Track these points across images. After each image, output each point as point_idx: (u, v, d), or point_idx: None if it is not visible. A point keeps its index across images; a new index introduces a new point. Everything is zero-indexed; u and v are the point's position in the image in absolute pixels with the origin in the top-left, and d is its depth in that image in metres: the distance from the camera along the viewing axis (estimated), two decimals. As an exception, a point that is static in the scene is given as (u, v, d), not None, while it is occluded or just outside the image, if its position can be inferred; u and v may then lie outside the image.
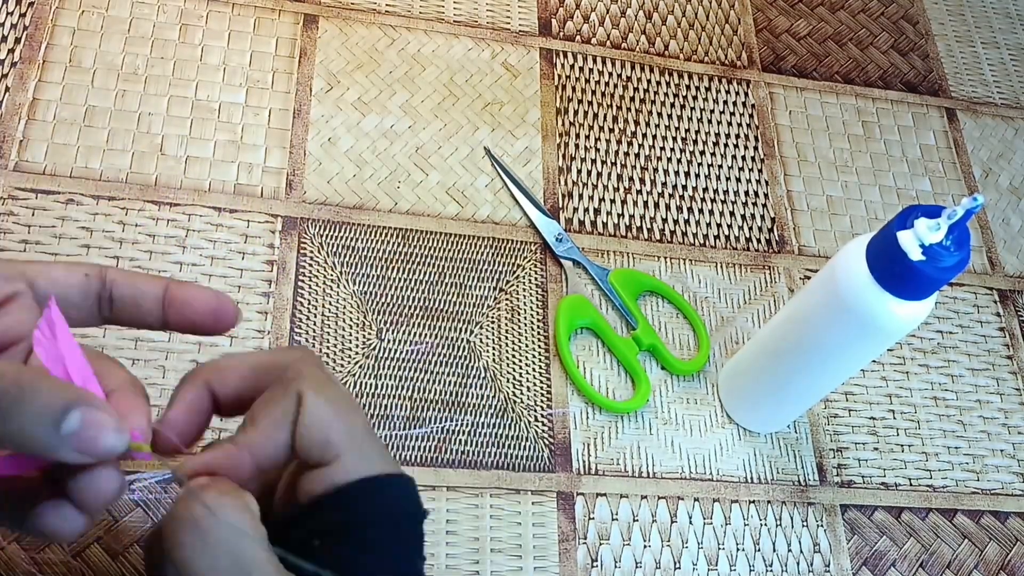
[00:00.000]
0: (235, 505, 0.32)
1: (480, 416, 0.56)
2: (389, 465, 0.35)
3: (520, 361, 0.58)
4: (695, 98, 0.70)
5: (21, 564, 0.46)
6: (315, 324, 0.56)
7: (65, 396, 0.28)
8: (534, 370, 0.58)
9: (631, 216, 0.64)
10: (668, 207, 0.65)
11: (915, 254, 0.42)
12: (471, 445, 0.55)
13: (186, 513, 0.31)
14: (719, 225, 0.66)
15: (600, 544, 0.54)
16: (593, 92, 0.68)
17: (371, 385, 0.55)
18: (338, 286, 0.57)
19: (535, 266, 0.61)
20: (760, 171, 0.69)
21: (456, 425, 0.55)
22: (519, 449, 0.55)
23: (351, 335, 0.56)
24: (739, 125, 0.70)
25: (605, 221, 0.64)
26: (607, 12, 0.72)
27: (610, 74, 0.69)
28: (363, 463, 0.34)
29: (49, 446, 0.28)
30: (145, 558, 0.33)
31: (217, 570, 0.30)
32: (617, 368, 0.59)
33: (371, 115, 0.63)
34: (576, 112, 0.67)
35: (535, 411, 0.56)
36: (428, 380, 0.56)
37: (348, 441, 0.34)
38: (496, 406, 0.56)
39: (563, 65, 0.69)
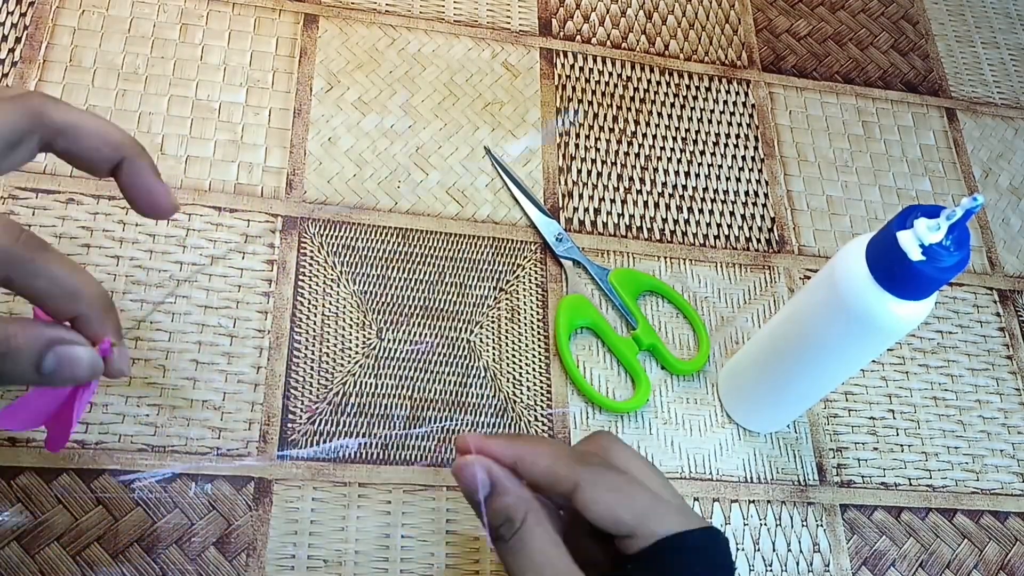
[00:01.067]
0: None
1: (480, 416, 0.56)
2: (690, 521, 0.39)
3: (520, 361, 0.58)
4: (695, 98, 0.70)
5: (21, 564, 0.46)
6: (315, 324, 0.56)
7: (39, 341, 0.32)
8: (534, 370, 0.58)
9: (631, 216, 0.64)
10: (668, 207, 0.65)
11: (915, 254, 0.42)
12: (471, 445, 0.55)
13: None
14: (719, 225, 0.66)
15: (600, 544, 0.54)
16: (593, 92, 0.68)
17: (371, 384, 0.55)
18: (338, 286, 0.57)
19: (535, 266, 0.61)
20: (760, 171, 0.69)
21: (456, 425, 0.55)
22: (519, 449, 0.55)
23: (351, 335, 0.56)
24: (739, 125, 0.70)
25: (605, 221, 0.64)
26: (607, 12, 0.72)
27: (610, 74, 0.69)
28: (660, 527, 0.38)
29: (37, 383, 0.33)
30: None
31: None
32: (617, 368, 0.59)
33: (371, 115, 0.63)
34: (576, 112, 0.67)
35: (535, 411, 0.56)
36: (428, 380, 0.56)
37: (636, 516, 0.38)
38: (496, 406, 0.56)
39: (563, 65, 0.69)
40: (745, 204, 0.67)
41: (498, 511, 0.38)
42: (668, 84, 0.70)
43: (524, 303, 0.60)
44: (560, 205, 0.63)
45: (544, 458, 0.39)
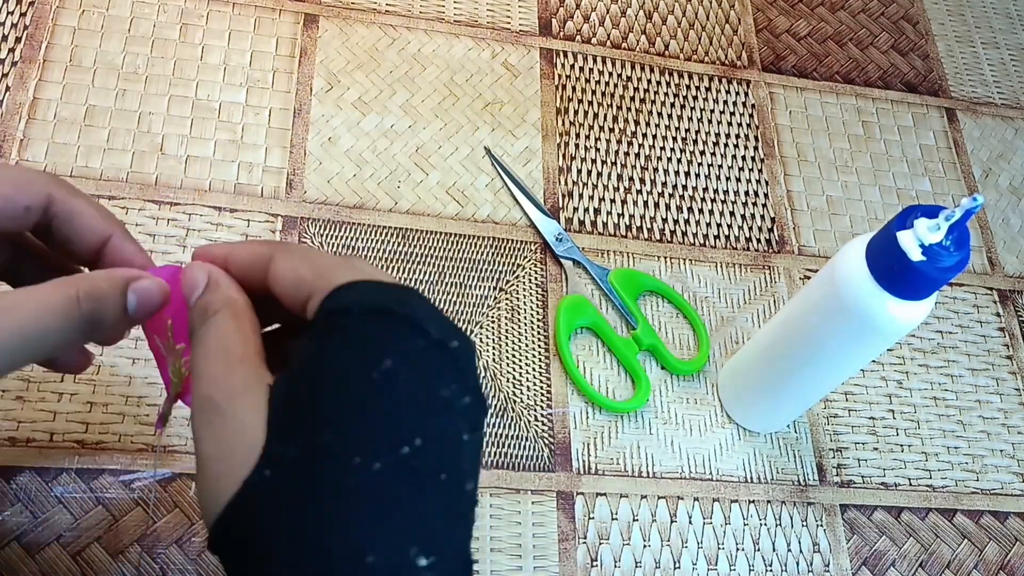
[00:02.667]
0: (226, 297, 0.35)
1: (480, 416, 0.55)
2: (378, 276, 0.34)
3: (520, 361, 0.58)
4: (695, 98, 0.70)
5: (21, 564, 0.46)
6: (315, 324, 0.55)
7: (120, 282, 0.35)
8: (534, 370, 0.58)
9: (631, 216, 0.64)
10: (668, 207, 0.65)
11: (915, 254, 0.42)
12: (471, 445, 0.55)
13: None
14: (719, 225, 0.66)
15: (600, 544, 0.54)
16: (593, 92, 0.68)
17: (371, 385, 0.55)
18: (338, 286, 0.57)
19: (535, 266, 0.61)
20: (760, 171, 0.69)
21: (456, 425, 0.55)
22: (519, 449, 0.55)
23: (351, 335, 0.56)
24: (739, 125, 0.70)
25: (605, 221, 0.64)
26: (607, 12, 0.72)
27: (610, 74, 0.69)
28: (338, 281, 0.33)
29: (126, 322, 0.35)
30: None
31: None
32: (617, 368, 0.59)
33: (371, 115, 0.63)
34: (576, 112, 0.67)
35: (535, 411, 0.56)
36: (428, 380, 0.56)
37: (317, 270, 0.34)
38: (496, 406, 0.56)
39: (563, 65, 0.69)
40: (745, 204, 0.67)
41: (200, 306, 0.35)
42: (668, 84, 0.70)
43: (524, 303, 0.60)
44: (560, 205, 0.63)
45: (247, 244, 0.37)
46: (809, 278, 0.65)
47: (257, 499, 0.29)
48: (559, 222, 0.62)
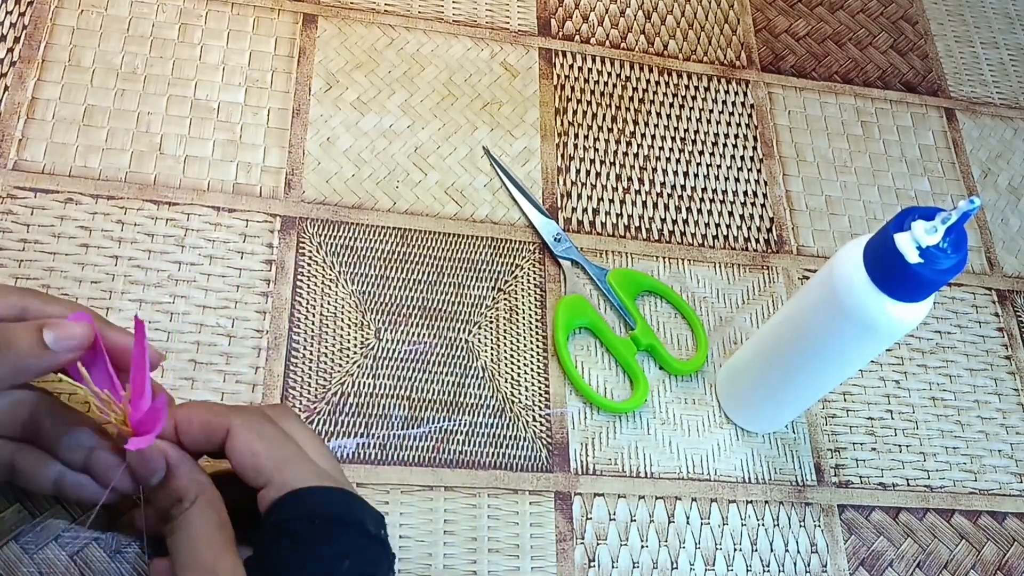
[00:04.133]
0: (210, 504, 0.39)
1: (478, 416, 0.56)
2: (329, 481, 0.40)
3: (518, 361, 0.58)
4: (694, 98, 0.70)
5: (20, 564, 0.46)
6: (313, 324, 0.56)
7: (32, 326, 0.37)
8: (532, 370, 0.58)
9: (630, 216, 0.64)
10: (667, 207, 0.65)
11: (912, 256, 0.42)
12: (469, 445, 0.55)
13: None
14: (718, 225, 0.66)
15: (597, 544, 0.54)
16: (592, 92, 0.68)
17: (369, 385, 0.55)
18: (336, 286, 0.57)
19: (533, 266, 0.61)
20: (759, 171, 0.69)
21: (454, 425, 0.55)
22: (517, 449, 0.55)
23: (349, 335, 0.56)
24: (738, 125, 0.70)
25: (604, 221, 0.64)
26: (606, 12, 0.72)
27: (609, 74, 0.69)
28: (297, 479, 0.39)
29: (47, 361, 0.37)
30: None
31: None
32: (615, 368, 0.59)
33: (370, 115, 0.63)
34: (575, 112, 0.67)
35: (533, 411, 0.57)
36: (426, 380, 0.56)
37: (274, 462, 0.39)
38: (494, 406, 0.56)
39: (562, 65, 0.69)
40: (744, 204, 0.67)
41: (169, 492, 0.38)
42: (667, 84, 0.70)
43: (522, 303, 0.60)
44: (559, 205, 0.63)
45: (199, 411, 0.41)
46: (808, 278, 0.65)
47: None
48: (558, 222, 0.62)
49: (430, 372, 0.56)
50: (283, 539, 0.38)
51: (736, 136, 0.70)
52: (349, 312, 0.57)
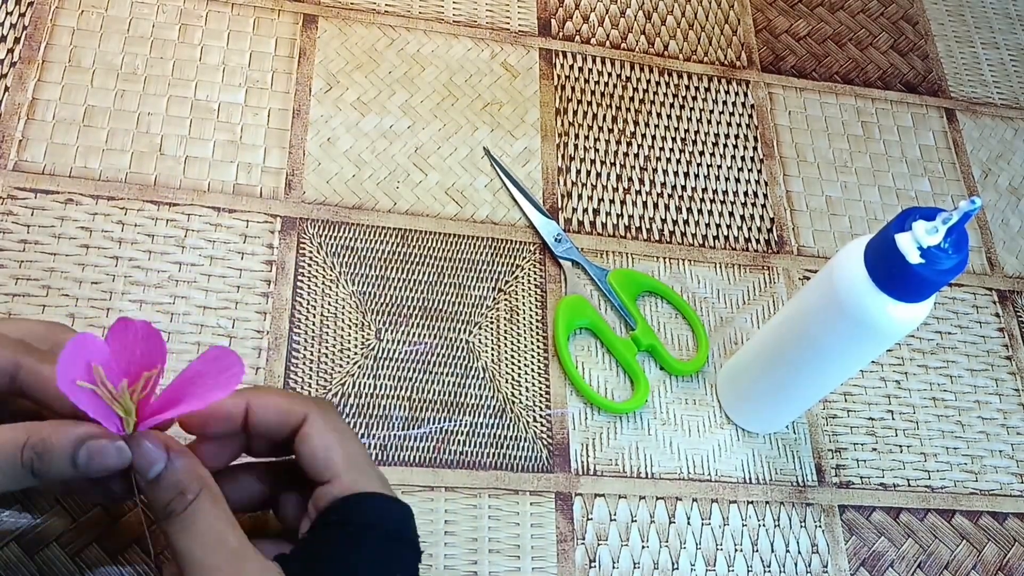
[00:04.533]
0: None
1: (478, 417, 0.56)
2: (389, 491, 0.40)
3: (519, 361, 0.58)
4: (694, 98, 0.70)
5: (21, 564, 0.46)
6: (314, 324, 0.56)
7: (71, 439, 0.35)
8: (533, 370, 0.58)
9: (630, 216, 0.64)
10: (667, 207, 0.65)
11: (913, 257, 0.42)
12: (469, 445, 0.55)
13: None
14: (718, 225, 0.66)
15: (598, 544, 0.54)
16: (592, 92, 0.68)
17: (370, 385, 0.55)
18: (337, 286, 0.57)
19: (534, 266, 0.61)
20: (759, 171, 0.69)
21: (454, 425, 0.55)
22: (517, 450, 0.55)
23: (350, 335, 0.56)
24: (738, 125, 0.70)
25: (604, 221, 0.64)
26: (607, 12, 0.72)
27: (609, 74, 0.69)
28: (363, 482, 0.39)
29: (76, 475, 0.35)
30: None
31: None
32: (616, 368, 0.59)
33: (370, 115, 0.63)
34: (575, 112, 0.67)
35: (534, 411, 0.57)
36: (427, 380, 0.56)
37: (348, 462, 0.39)
38: (495, 406, 0.56)
39: (562, 65, 0.69)
40: (744, 205, 0.67)
41: (171, 484, 0.36)
42: (667, 84, 0.70)
43: (523, 304, 0.60)
44: (559, 206, 0.63)
45: (275, 395, 0.40)
46: (808, 279, 0.65)
47: None
48: (558, 222, 0.62)
49: (431, 373, 0.56)
50: (342, 538, 0.38)
51: (736, 136, 0.70)
52: (349, 312, 0.57)
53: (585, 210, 0.64)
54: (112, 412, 0.36)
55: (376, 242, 0.59)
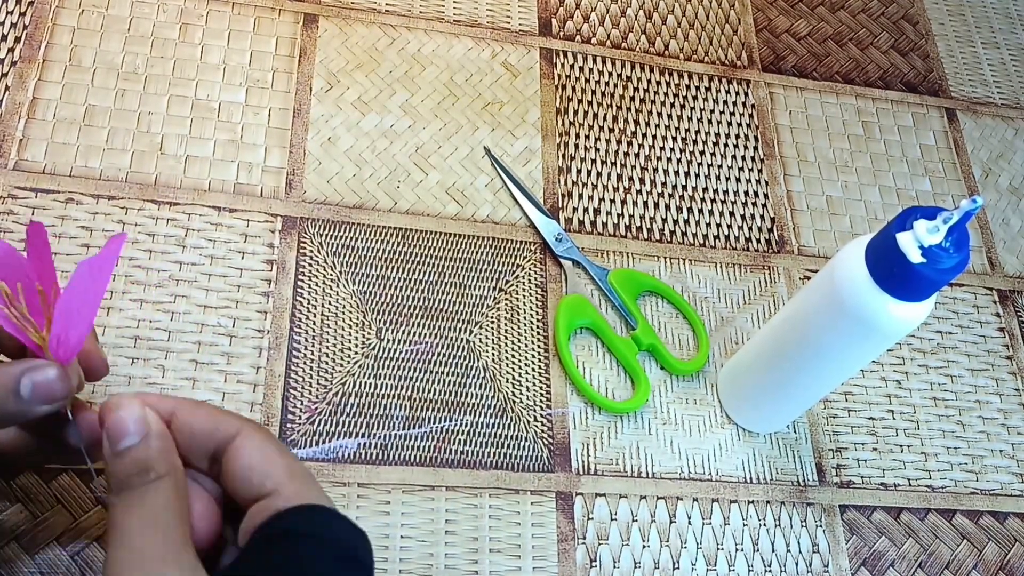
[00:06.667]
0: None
1: (479, 416, 0.56)
2: (330, 504, 0.37)
3: (519, 361, 0.58)
4: (695, 98, 0.70)
5: (20, 563, 0.46)
6: (314, 324, 0.56)
7: (13, 372, 0.34)
8: (533, 370, 0.58)
9: (631, 216, 0.64)
10: (668, 207, 0.65)
11: (914, 256, 0.42)
12: (470, 445, 0.55)
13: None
14: (719, 225, 0.66)
15: (599, 544, 0.54)
16: (593, 92, 0.68)
17: (370, 385, 0.55)
18: (338, 286, 0.57)
19: (535, 266, 0.61)
20: (760, 171, 0.69)
21: (455, 425, 0.55)
22: (518, 449, 0.55)
23: (351, 335, 0.56)
24: (739, 125, 0.70)
25: (605, 221, 0.64)
26: (607, 12, 0.72)
27: (610, 74, 0.69)
28: (310, 494, 0.36)
29: (21, 410, 0.34)
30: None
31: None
32: (616, 368, 0.59)
33: (371, 114, 0.63)
34: (576, 112, 0.67)
35: (534, 411, 0.56)
36: (427, 380, 0.56)
37: (290, 472, 0.36)
38: (495, 406, 0.56)
39: (563, 65, 0.69)
40: (745, 204, 0.67)
41: (139, 458, 0.34)
42: (668, 84, 0.70)
43: (524, 303, 0.60)
44: (560, 205, 0.63)
45: (205, 407, 0.37)
46: (809, 278, 0.65)
47: None
48: (559, 222, 0.62)
49: (431, 372, 0.56)
50: (288, 552, 0.33)
51: (737, 136, 0.70)
52: (350, 312, 0.57)
53: (586, 210, 0.64)
54: (29, 339, 0.35)
55: (377, 242, 0.59)
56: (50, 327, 0.35)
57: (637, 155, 0.67)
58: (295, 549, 0.34)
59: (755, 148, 0.70)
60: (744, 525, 0.56)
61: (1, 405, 0.34)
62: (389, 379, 0.55)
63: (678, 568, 0.54)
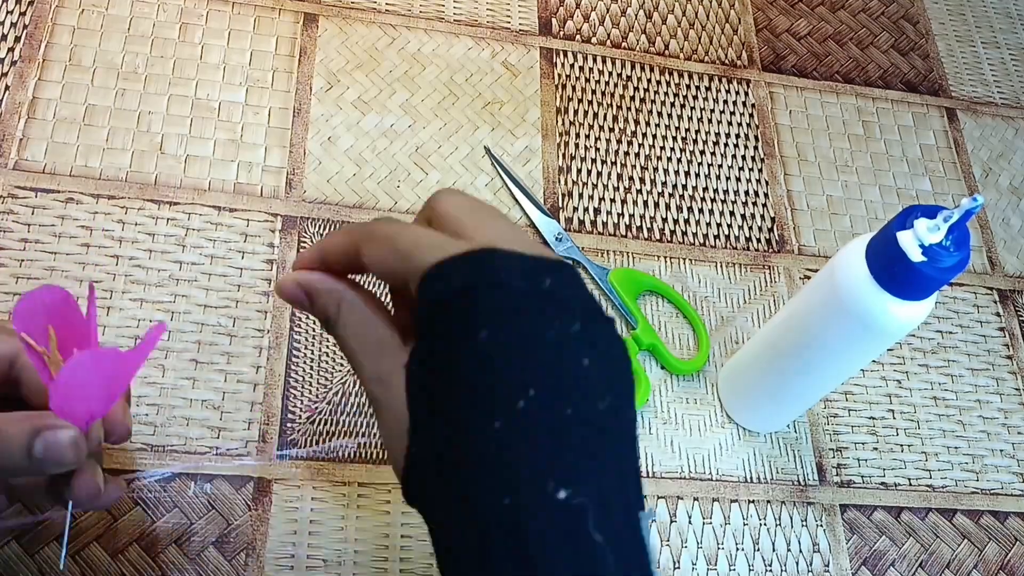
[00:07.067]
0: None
1: (480, 415, 0.55)
2: (449, 247, 0.33)
3: (520, 360, 0.58)
4: (695, 98, 0.70)
5: (21, 563, 0.46)
6: (315, 323, 0.56)
7: (27, 430, 0.35)
8: (534, 369, 0.58)
9: (631, 216, 0.64)
10: (668, 207, 0.65)
11: (915, 254, 0.42)
12: (471, 444, 0.54)
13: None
14: (719, 225, 0.66)
15: (599, 544, 0.54)
16: (593, 91, 0.68)
17: (371, 384, 0.55)
18: (338, 285, 0.57)
19: (535, 265, 0.61)
20: (760, 171, 0.69)
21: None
22: (518, 448, 0.55)
23: (351, 334, 0.56)
24: (739, 125, 0.70)
25: (605, 221, 0.64)
26: (607, 11, 0.72)
27: (610, 73, 0.69)
28: (428, 258, 0.33)
29: (31, 470, 0.35)
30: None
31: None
32: (617, 368, 0.59)
33: (371, 114, 0.63)
34: (576, 111, 0.67)
35: (535, 410, 0.56)
36: (428, 379, 0.56)
37: (403, 260, 0.34)
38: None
39: (563, 64, 0.69)
40: (745, 204, 0.67)
41: (318, 309, 0.37)
42: (668, 84, 0.70)
43: (524, 303, 0.59)
44: (560, 205, 0.63)
45: (335, 239, 0.37)
46: (809, 278, 0.65)
47: (415, 472, 0.32)
48: (559, 222, 0.62)
49: (431, 372, 0.56)
50: (420, 321, 0.33)
51: (737, 136, 0.70)
52: (350, 311, 0.57)
53: (586, 209, 0.64)
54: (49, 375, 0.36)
55: (377, 241, 0.59)
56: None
57: (637, 155, 0.67)
58: (434, 314, 0.33)
59: (755, 148, 0.70)
60: (745, 524, 0.56)
61: (12, 461, 0.35)
62: (389, 379, 0.55)
63: (678, 567, 0.54)
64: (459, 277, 0.32)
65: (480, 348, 0.31)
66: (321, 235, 0.58)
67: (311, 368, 0.54)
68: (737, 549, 0.55)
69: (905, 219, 0.42)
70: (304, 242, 0.58)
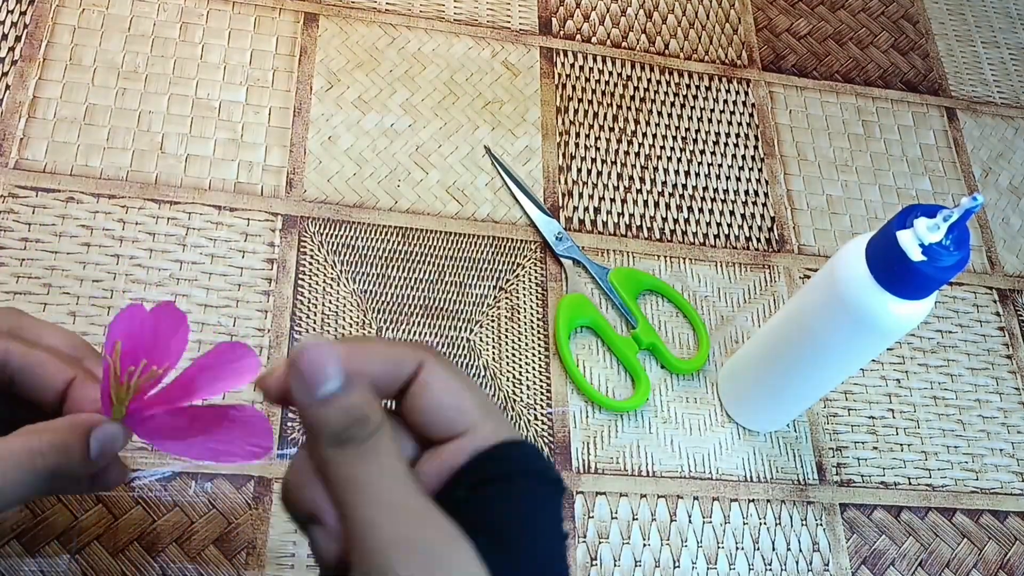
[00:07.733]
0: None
1: (480, 415, 0.55)
2: (520, 435, 0.35)
3: (520, 360, 0.58)
4: (695, 97, 0.70)
5: (21, 562, 0.46)
6: (315, 323, 0.56)
7: (80, 433, 0.35)
8: (534, 369, 0.58)
9: (631, 215, 0.64)
10: (668, 206, 0.65)
11: (915, 254, 0.42)
12: (471, 444, 0.55)
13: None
14: (719, 224, 0.66)
15: (599, 543, 0.54)
16: (593, 91, 0.68)
17: (371, 384, 0.55)
18: (338, 285, 0.57)
19: (535, 265, 0.61)
20: (760, 170, 0.69)
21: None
22: (519, 448, 0.55)
23: (351, 333, 0.56)
24: (739, 124, 0.70)
25: (605, 220, 0.64)
26: (607, 11, 0.72)
27: (610, 73, 0.69)
28: (503, 430, 0.34)
29: (87, 467, 0.35)
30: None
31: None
32: (617, 367, 0.59)
33: (371, 114, 0.63)
34: (576, 111, 0.67)
35: (535, 410, 0.56)
36: (428, 379, 0.56)
37: (482, 410, 0.33)
38: (496, 405, 0.56)
39: (563, 64, 0.69)
40: (745, 203, 0.67)
41: (352, 408, 0.31)
42: (668, 83, 0.70)
43: (524, 302, 0.60)
44: (560, 204, 0.63)
45: (380, 344, 0.35)
46: (809, 277, 0.65)
47: None
48: (559, 221, 0.62)
49: (432, 371, 0.56)
50: (510, 491, 0.32)
51: (737, 135, 0.70)
52: (351, 311, 0.57)
53: (586, 208, 0.64)
54: (108, 392, 0.35)
55: (377, 241, 0.59)
56: (132, 398, 0.35)
57: (637, 154, 0.67)
58: (514, 489, 0.33)
59: (755, 147, 0.70)
60: (744, 524, 0.56)
61: (71, 463, 0.34)
62: (389, 378, 0.55)
63: (679, 567, 0.54)
64: (539, 464, 0.34)
65: (561, 536, 0.34)
66: (321, 234, 0.58)
67: (311, 367, 0.54)
68: (737, 548, 0.55)
69: (905, 218, 0.42)
70: (304, 241, 0.58)
